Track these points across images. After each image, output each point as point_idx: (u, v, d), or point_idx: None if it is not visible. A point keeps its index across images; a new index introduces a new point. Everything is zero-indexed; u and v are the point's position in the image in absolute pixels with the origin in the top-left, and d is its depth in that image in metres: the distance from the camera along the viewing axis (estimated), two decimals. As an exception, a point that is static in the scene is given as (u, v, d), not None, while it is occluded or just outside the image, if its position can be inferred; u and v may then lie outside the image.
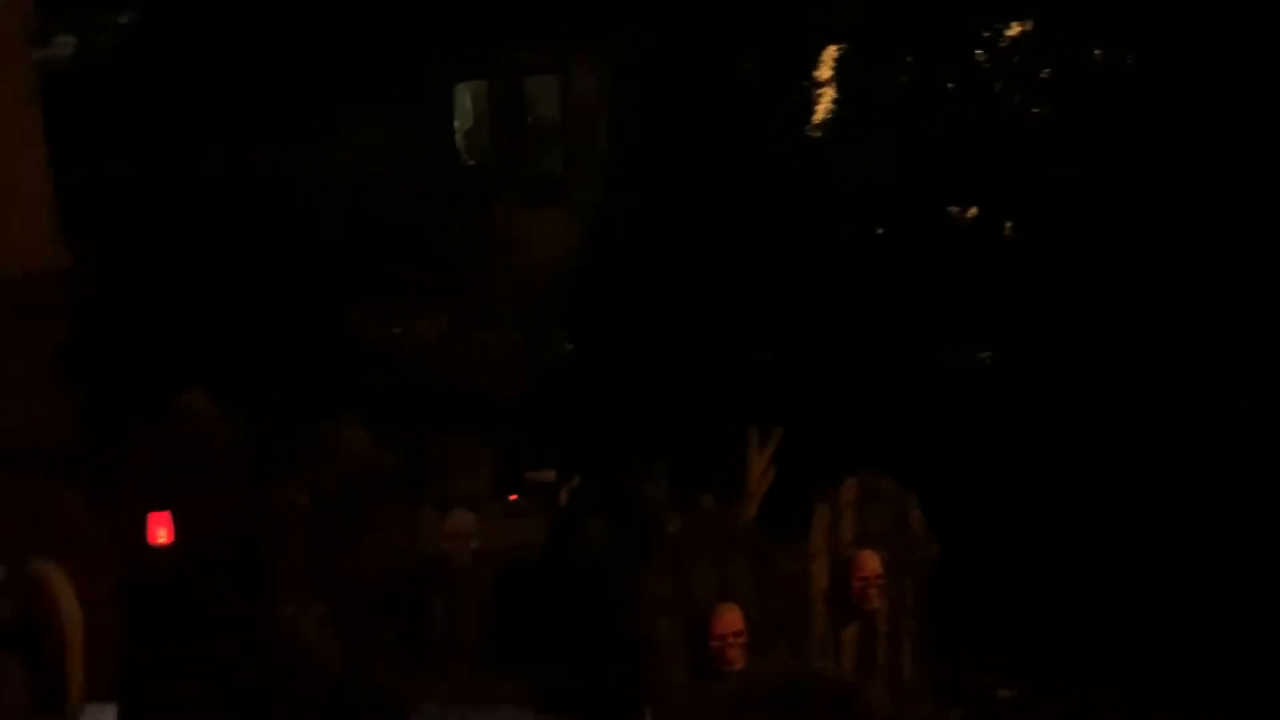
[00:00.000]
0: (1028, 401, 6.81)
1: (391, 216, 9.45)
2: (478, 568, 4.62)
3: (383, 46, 9.70)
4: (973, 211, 7.26)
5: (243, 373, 6.59)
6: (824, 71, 7.47)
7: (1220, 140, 6.71)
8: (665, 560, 4.25)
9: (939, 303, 7.01)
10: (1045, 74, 7.16)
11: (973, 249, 7.13)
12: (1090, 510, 6.39)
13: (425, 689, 4.36)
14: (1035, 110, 7.14)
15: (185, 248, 8.51)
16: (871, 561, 4.41)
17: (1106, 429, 6.63)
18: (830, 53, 7.44)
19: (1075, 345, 6.91)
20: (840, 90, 7.42)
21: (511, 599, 4.67)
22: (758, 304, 7.22)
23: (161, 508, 5.04)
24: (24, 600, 3.76)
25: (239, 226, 8.68)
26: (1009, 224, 7.22)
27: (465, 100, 11.35)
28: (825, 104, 7.46)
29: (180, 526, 5.06)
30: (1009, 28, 7.14)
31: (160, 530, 5.00)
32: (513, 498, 5.51)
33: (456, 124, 11.33)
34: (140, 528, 5.03)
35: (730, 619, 4.03)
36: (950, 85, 7.21)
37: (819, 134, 7.50)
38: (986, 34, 7.15)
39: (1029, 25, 7.12)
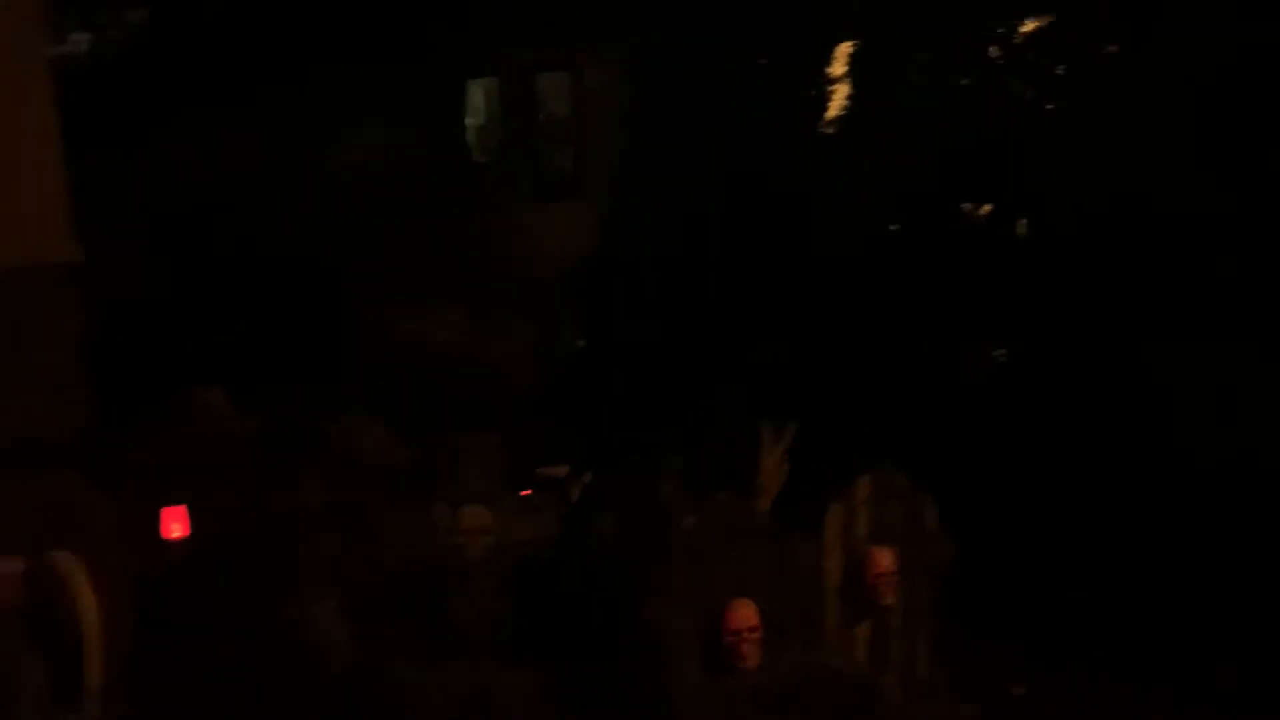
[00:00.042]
0: (1041, 399, 6.80)
1: (404, 214, 9.47)
2: (491, 563, 4.63)
3: (394, 44, 9.72)
4: (986, 209, 7.25)
5: (257, 369, 6.62)
6: (837, 68, 7.47)
7: (1235, 137, 6.69)
8: (679, 556, 4.26)
9: (952, 300, 7.00)
10: (1059, 70, 7.15)
11: (986, 246, 7.12)
12: (1103, 509, 6.38)
13: (439, 684, 4.37)
14: (1049, 107, 7.13)
15: (200, 244, 8.55)
16: (886, 558, 4.42)
17: (1120, 428, 6.62)
18: (843, 49, 7.44)
19: (1089, 343, 6.90)
20: (853, 87, 7.41)
21: (525, 594, 4.68)
22: (770, 300, 7.23)
23: (176, 503, 5.06)
24: (42, 592, 3.79)
25: (252, 223, 8.72)
26: (1023, 221, 7.21)
27: (477, 97, 11.37)
28: (838, 101, 7.46)
29: (194, 522, 5.08)
30: (1023, 24, 7.14)
31: (174, 525, 5.01)
32: (525, 493, 5.51)
33: (468, 121, 11.35)
34: (154, 523, 5.04)
35: (745, 614, 4.04)
36: (964, 82, 7.20)
37: (832, 131, 7.50)
38: (1000, 30, 7.14)
39: (1043, 22, 7.11)
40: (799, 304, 7.18)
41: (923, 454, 5.11)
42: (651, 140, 8.32)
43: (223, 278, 8.38)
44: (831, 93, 7.49)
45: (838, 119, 7.47)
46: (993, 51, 7.21)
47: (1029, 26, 7.13)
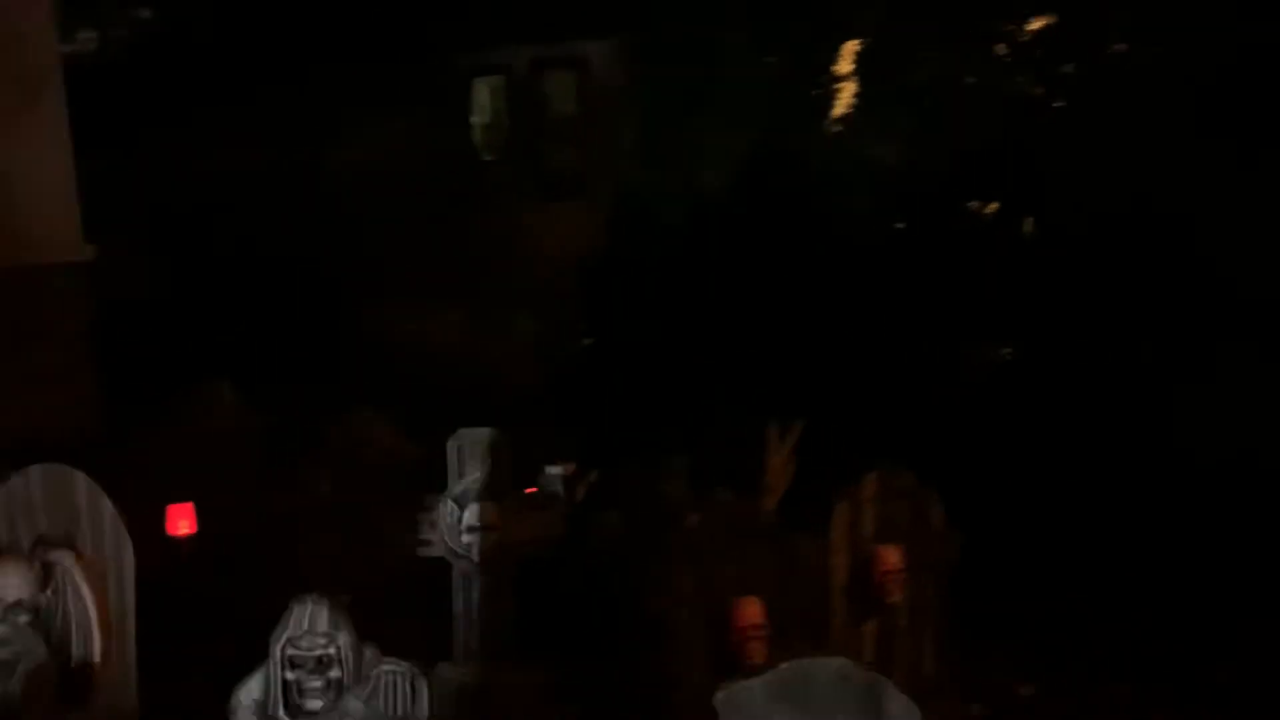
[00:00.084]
0: (1048, 398, 6.79)
1: (409, 212, 9.48)
2: (496, 561, 4.63)
3: (400, 43, 9.73)
4: (992, 207, 7.24)
5: (262, 367, 6.63)
6: (844, 66, 7.47)
7: (1242, 136, 6.68)
8: (684, 554, 4.27)
9: (959, 298, 7.00)
10: (1067, 69, 7.14)
11: (992, 244, 7.12)
12: (1108, 508, 6.37)
13: (445, 680, 4.37)
14: (1057, 105, 7.12)
15: (206, 243, 8.57)
16: (892, 556, 4.42)
17: (1127, 427, 6.61)
18: (849, 47, 7.44)
19: (1096, 342, 6.89)
20: (861, 85, 7.41)
21: (530, 592, 4.68)
22: (777, 298, 7.23)
23: (181, 500, 5.07)
24: (49, 588, 3.80)
25: (257, 222, 8.73)
26: (1030, 219, 7.20)
27: (482, 96, 11.37)
28: (846, 98, 7.46)
29: (200, 519, 5.09)
30: (1030, 22, 7.13)
31: (182, 522, 5.03)
32: (530, 491, 5.51)
33: (473, 120, 11.35)
34: (160, 520, 5.06)
35: (751, 612, 4.04)
36: (970, 80, 7.19)
37: (839, 128, 7.50)
38: (1008, 28, 7.13)
39: (1051, 19, 7.10)
40: (806, 302, 7.18)
41: (929, 452, 5.11)
42: (657, 139, 8.32)
43: (229, 276, 8.39)
44: (837, 91, 7.49)
45: (845, 117, 7.47)
46: (1000, 49, 7.21)
47: (1036, 24, 7.13)
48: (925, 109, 7.27)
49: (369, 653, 3.34)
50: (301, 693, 3.26)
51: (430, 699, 3.37)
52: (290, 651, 3.29)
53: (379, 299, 8.85)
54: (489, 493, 4.65)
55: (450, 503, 4.62)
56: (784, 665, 3.31)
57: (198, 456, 5.39)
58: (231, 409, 5.57)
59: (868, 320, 7.09)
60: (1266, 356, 6.48)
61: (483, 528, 4.58)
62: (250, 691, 3.36)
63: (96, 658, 3.74)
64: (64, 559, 3.78)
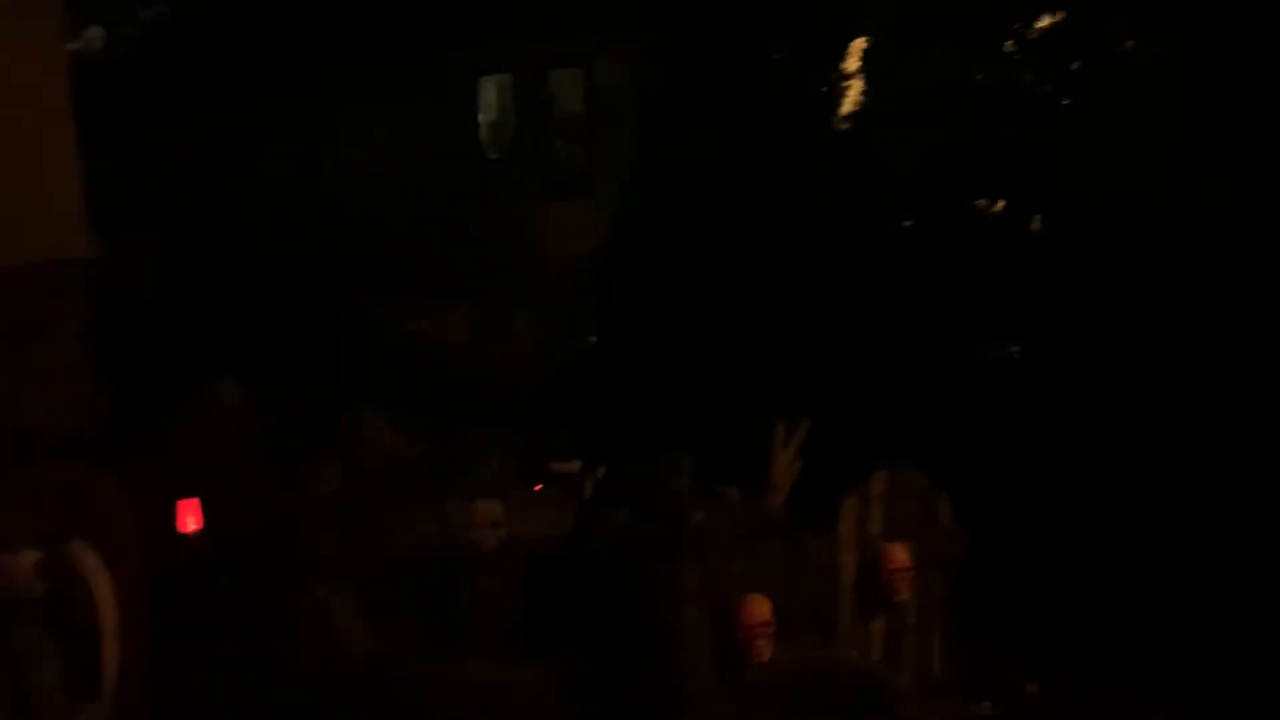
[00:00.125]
0: (1055, 397, 6.78)
1: (416, 211, 9.48)
2: (503, 557, 4.63)
3: (407, 41, 9.73)
4: (1000, 205, 7.22)
5: (269, 364, 6.63)
6: (852, 64, 7.46)
7: (1251, 133, 6.66)
8: (691, 552, 4.26)
9: (967, 296, 6.98)
10: (1075, 66, 7.12)
11: (1000, 243, 7.10)
12: (1117, 507, 6.35)
13: (451, 678, 4.36)
14: (1065, 102, 7.10)
15: (212, 240, 8.57)
16: (900, 554, 4.41)
17: (1133, 426, 6.59)
18: (858, 44, 7.42)
19: (1103, 341, 6.88)
20: (868, 83, 7.40)
21: (537, 589, 4.68)
22: (785, 295, 7.22)
23: (187, 497, 5.07)
24: (58, 583, 3.80)
25: (264, 220, 8.73)
26: (1037, 217, 7.19)
27: (489, 94, 11.36)
28: (853, 96, 7.45)
29: (206, 516, 5.08)
30: (1039, 19, 7.11)
31: (189, 518, 5.02)
32: (537, 488, 5.51)
33: (480, 118, 11.35)
34: (167, 516, 5.05)
35: (758, 609, 4.03)
36: (979, 78, 7.17)
37: (847, 127, 7.48)
38: (1016, 25, 7.11)
39: (1059, 17, 7.08)
40: (813, 299, 7.17)
41: (936, 450, 5.10)
42: (664, 137, 8.31)
43: (234, 274, 8.39)
44: (845, 89, 7.47)
45: (853, 115, 7.45)
46: (1008, 47, 7.19)
47: (1044, 22, 7.11)
48: (932, 108, 7.25)
49: None
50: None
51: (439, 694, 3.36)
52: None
53: (385, 297, 8.85)
54: (495, 490, 4.65)
55: (457, 500, 4.62)
56: (792, 660, 3.30)
57: (202, 454, 5.38)
58: (236, 407, 5.56)
59: (875, 318, 7.08)
60: (1271, 356, 6.46)
61: (489, 525, 4.58)
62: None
63: (105, 653, 3.74)
64: (73, 554, 3.78)
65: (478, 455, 4.80)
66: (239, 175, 8.86)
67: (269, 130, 9.13)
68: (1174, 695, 5.25)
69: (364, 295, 8.81)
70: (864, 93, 7.43)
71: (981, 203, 7.23)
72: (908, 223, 7.25)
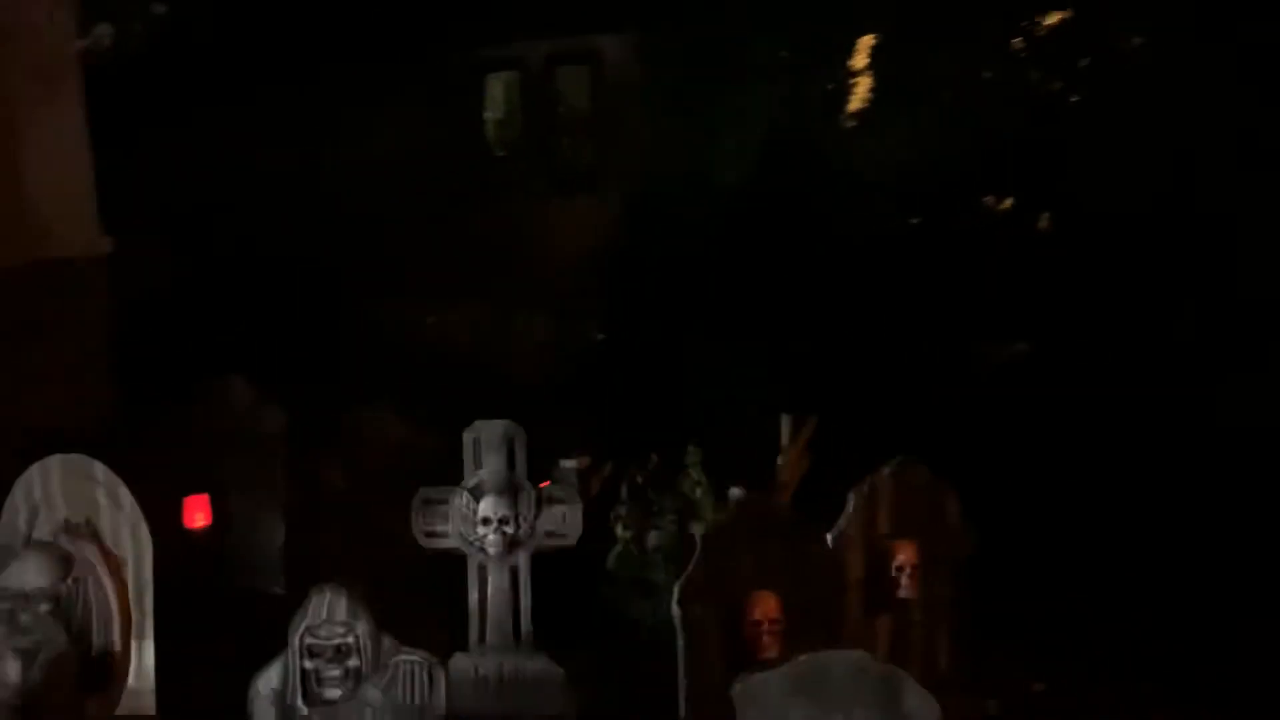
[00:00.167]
0: (1063, 394, 6.78)
1: (423, 207, 9.50)
2: (511, 553, 4.64)
3: (415, 38, 9.74)
4: (1008, 202, 7.22)
5: (279, 361, 6.65)
6: (860, 60, 7.46)
7: (1260, 130, 6.65)
8: (700, 547, 4.26)
9: (974, 293, 6.98)
10: (1083, 63, 7.11)
11: (1009, 240, 7.10)
12: (1124, 505, 6.35)
13: (460, 672, 4.38)
14: (1073, 99, 7.09)
15: (223, 236, 8.60)
16: (907, 551, 4.41)
17: (1140, 425, 6.59)
18: (866, 41, 7.42)
19: (1110, 338, 6.87)
20: (876, 79, 7.40)
21: (546, 584, 4.69)
22: (793, 292, 7.22)
23: (199, 491, 5.10)
24: (69, 577, 3.82)
25: (273, 217, 8.76)
26: (1045, 215, 7.18)
27: (496, 91, 11.38)
28: (861, 93, 7.44)
29: (216, 510, 5.11)
30: (1047, 16, 7.10)
31: (197, 514, 5.05)
32: (544, 485, 5.52)
33: (488, 114, 11.36)
34: (177, 511, 5.08)
35: (766, 606, 4.04)
36: (987, 75, 7.17)
37: (854, 123, 7.48)
38: (1024, 23, 7.11)
39: (1067, 14, 7.07)
40: (821, 296, 7.17)
41: (944, 447, 5.10)
42: (671, 133, 8.32)
43: (244, 271, 8.42)
44: (853, 85, 7.47)
45: (860, 112, 7.45)
46: (1016, 44, 7.18)
47: (1052, 19, 7.10)
48: (940, 105, 7.25)
49: (387, 642, 3.35)
50: (320, 681, 3.27)
51: (447, 689, 3.38)
52: (309, 640, 3.30)
53: (392, 294, 8.87)
54: (504, 486, 4.66)
55: (465, 495, 4.63)
56: (801, 658, 3.32)
57: (212, 450, 5.41)
58: (245, 404, 5.58)
59: (882, 315, 7.08)
60: (1276, 355, 6.45)
61: (497, 520, 4.59)
62: (269, 680, 3.37)
63: (116, 647, 3.77)
64: (84, 549, 3.81)
65: (486, 451, 4.81)
66: (247, 173, 8.88)
67: (276, 128, 9.15)
68: (1180, 695, 5.24)
69: (371, 293, 8.83)
70: (871, 89, 7.43)
71: (989, 200, 7.22)
72: (915, 220, 7.24)
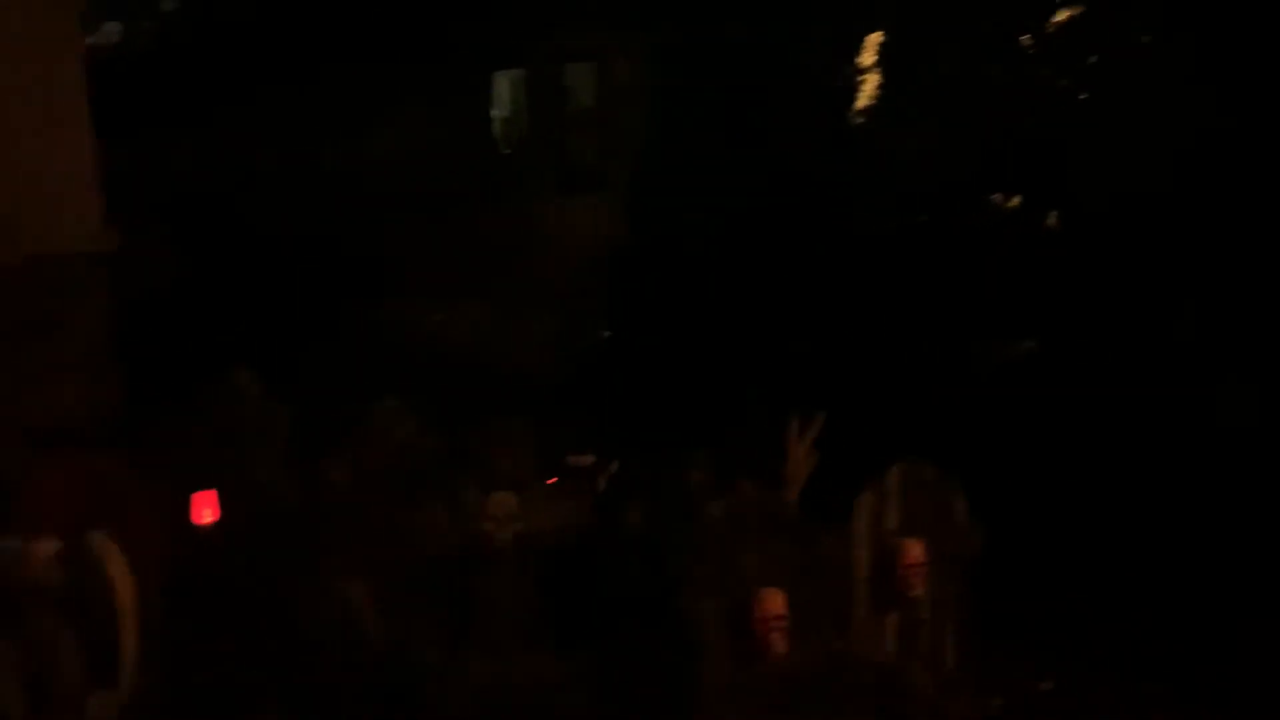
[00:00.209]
0: (1071, 393, 6.76)
1: (431, 204, 9.49)
2: (519, 550, 4.63)
3: (422, 35, 9.74)
4: (1016, 200, 7.20)
5: (287, 357, 6.65)
6: (867, 58, 7.44)
7: (1270, 128, 6.62)
8: (706, 545, 4.26)
9: (982, 291, 6.96)
10: (1092, 61, 7.09)
11: (1017, 238, 7.08)
12: (1132, 504, 6.33)
13: (467, 669, 4.38)
14: (1082, 97, 7.07)
15: (230, 233, 8.60)
16: (915, 549, 4.41)
17: (1148, 423, 6.57)
18: (874, 39, 7.40)
19: (1118, 337, 6.85)
20: (884, 77, 7.38)
21: (552, 581, 4.69)
22: (799, 290, 7.21)
23: (207, 487, 5.09)
24: (78, 570, 3.83)
25: (280, 213, 8.76)
26: (1053, 213, 7.16)
27: (503, 88, 11.37)
28: (868, 91, 7.43)
29: (225, 505, 5.11)
30: (1056, 13, 7.08)
31: (205, 509, 5.05)
32: (552, 482, 5.52)
33: (494, 113, 11.35)
34: (185, 506, 5.07)
35: (773, 603, 4.03)
36: (996, 72, 7.15)
37: (861, 121, 7.47)
38: (1033, 20, 7.08)
39: (1076, 11, 7.05)
40: (828, 294, 7.16)
41: (952, 445, 5.08)
42: (678, 132, 8.30)
43: (252, 266, 8.43)
44: (861, 83, 7.45)
45: (868, 110, 7.43)
46: (1025, 41, 7.16)
47: (1062, 16, 7.08)
48: (948, 103, 7.23)
49: None
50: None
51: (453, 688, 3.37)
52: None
53: (399, 291, 8.87)
54: (511, 483, 4.66)
55: (472, 493, 4.63)
56: (807, 655, 3.31)
57: (218, 447, 5.40)
58: (253, 400, 5.58)
59: (890, 313, 7.06)
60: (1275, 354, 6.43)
61: (505, 518, 4.59)
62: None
63: (124, 641, 3.76)
64: (93, 542, 3.80)
65: (493, 449, 4.81)
66: (254, 170, 8.89)
67: (281, 126, 9.16)
68: (1185, 694, 5.23)
69: (377, 290, 8.83)
70: (879, 87, 7.41)
71: (997, 198, 7.20)
72: (923, 218, 7.22)
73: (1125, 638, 5.73)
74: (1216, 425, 6.36)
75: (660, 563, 4.80)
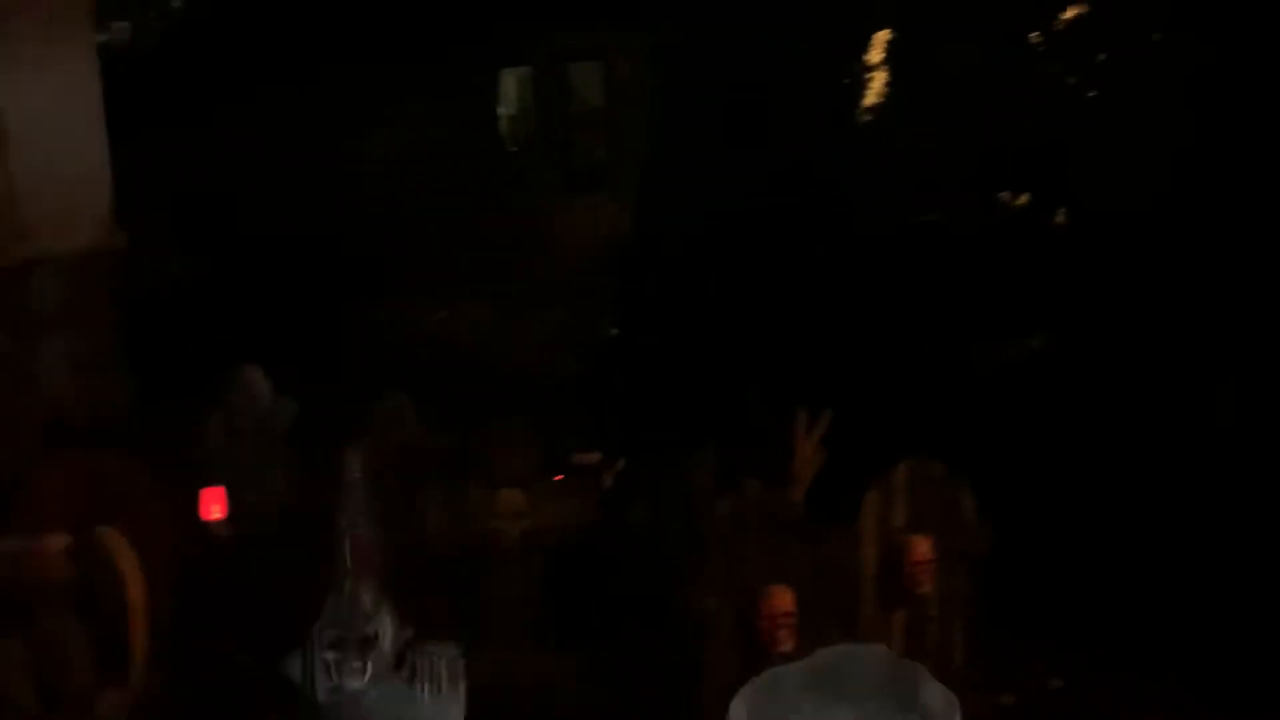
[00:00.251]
0: (1079, 391, 6.74)
1: (437, 202, 9.50)
2: (525, 547, 4.64)
3: (428, 33, 9.74)
4: (1024, 198, 7.19)
5: (294, 354, 6.66)
6: (874, 56, 7.43)
7: (1277, 126, 6.60)
8: (713, 542, 4.26)
9: (990, 289, 6.95)
10: (1101, 58, 7.07)
11: (1024, 235, 7.07)
12: (1143, 501, 6.32)
13: (473, 666, 4.38)
14: (1090, 95, 7.06)
15: (237, 230, 8.62)
16: (923, 546, 4.40)
17: (1157, 421, 6.55)
18: (881, 36, 7.39)
19: (1127, 335, 6.84)
20: (890, 75, 7.37)
21: (559, 579, 4.70)
22: (805, 288, 7.20)
23: (215, 484, 5.10)
24: (87, 567, 3.84)
25: (287, 211, 8.77)
26: (1061, 211, 7.15)
27: (509, 86, 11.37)
28: (875, 89, 7.42)
29: (233, 502, 5.12)
30: (1064, 11, 7.06)
31: (214, 506, 5.06)
32: (557, 479, 5.52)
33: (500, 111, 11.36)
34: (194, 503, 5.09)
35: (781, 600, 4.03)
36: (1004, 70, 7.13)
37: (868, 119, 7.46)
38: (1041, 17, 7.07)
39: (1084, 8, 7.03)
40: (834, 292, 7.15)
41: (959, 442, 5.08)
42: (684, 130, 8.30)
43: (260, 264, 8.44)
44: (868, 81, 7.45)
45: (874, 107, 7.42)
46: (1033, 38, 7.14)
47: (1070, 14, 7.06)
48: (956, 100, 7.22)
49: (408, 634, 3.35)
50: (341, 673, 3.28)
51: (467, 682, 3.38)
52: (330, 632, 3.30)
53: (406, 289, 8.88)
54: (517, 481, 4.66)
55: (478, 490, 4.63)
56: (818, 651, 3.31)
57: (227, 443, 5.42)
58: (261, 396, 5.59)
59: (897, 310, 7.05)
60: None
61: (510, 515, 4.60)
62: (290, 672, 3.37)
63: (134, 638, 3.78)
64: (102, 539, 3.81)
65: (500, 445, 4.81)
66: (261, 168, 8.90)
67: (289, 123, 9.17)
68: (1194, 692, 5.21)
69: (384, 288, 8.84)
70: (886, 85, 7.40)
71: (1005, 196, 7.19)
72: (930, 215, 7.21)
73: (1135, 635, 5.71)
74: (1220, 425, 6.34)
75: (667, 560, 4.80)
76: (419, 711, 3.13)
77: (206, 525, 5.01)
